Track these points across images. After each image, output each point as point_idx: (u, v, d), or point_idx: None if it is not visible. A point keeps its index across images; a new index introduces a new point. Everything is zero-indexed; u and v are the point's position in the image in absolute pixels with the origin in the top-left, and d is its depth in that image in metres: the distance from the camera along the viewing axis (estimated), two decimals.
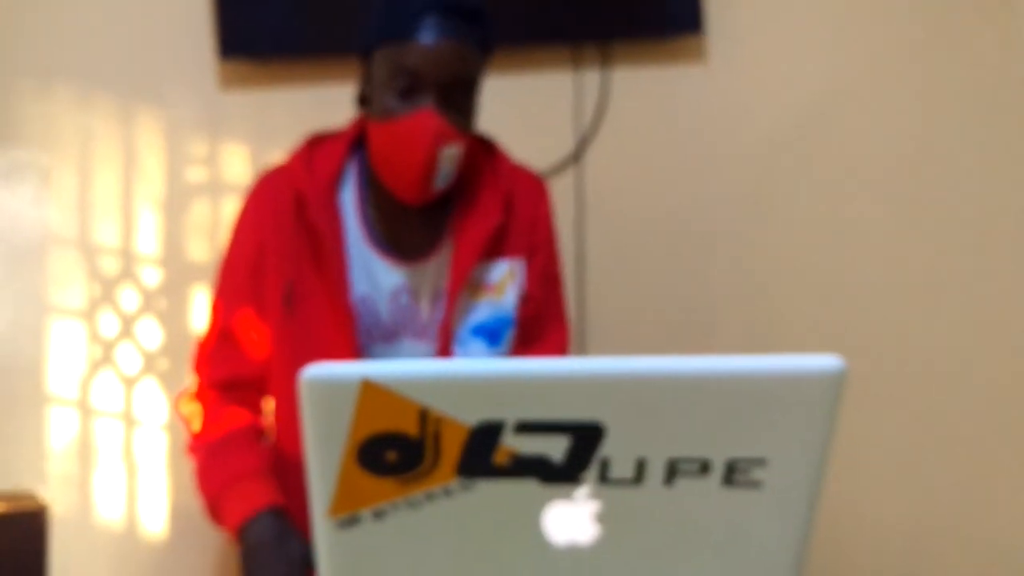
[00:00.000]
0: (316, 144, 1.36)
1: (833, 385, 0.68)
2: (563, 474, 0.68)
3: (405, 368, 0.67)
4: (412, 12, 1.21)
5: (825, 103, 1.86)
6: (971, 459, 1.82)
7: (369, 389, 0.66)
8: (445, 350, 1.31)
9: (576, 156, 1.87)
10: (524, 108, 1.84)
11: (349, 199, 1.34)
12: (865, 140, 1.85)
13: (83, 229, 1.91)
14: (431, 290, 1.34)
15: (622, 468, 0.68)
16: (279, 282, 1.31)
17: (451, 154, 1.24)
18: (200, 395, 1.34)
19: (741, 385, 0.68)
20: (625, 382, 0.67)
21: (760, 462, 0.69)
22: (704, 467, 0.68)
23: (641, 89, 1.87)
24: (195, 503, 1.79)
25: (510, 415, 0.67)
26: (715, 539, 0.71)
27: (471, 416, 0.67)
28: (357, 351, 1.29)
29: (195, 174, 1.91)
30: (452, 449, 0.67)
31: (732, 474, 0.69)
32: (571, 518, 0.69)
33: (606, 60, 1.87)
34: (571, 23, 1.83)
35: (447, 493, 0.69)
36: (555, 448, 0.68)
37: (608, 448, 0.68)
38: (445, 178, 1.26)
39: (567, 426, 0.67)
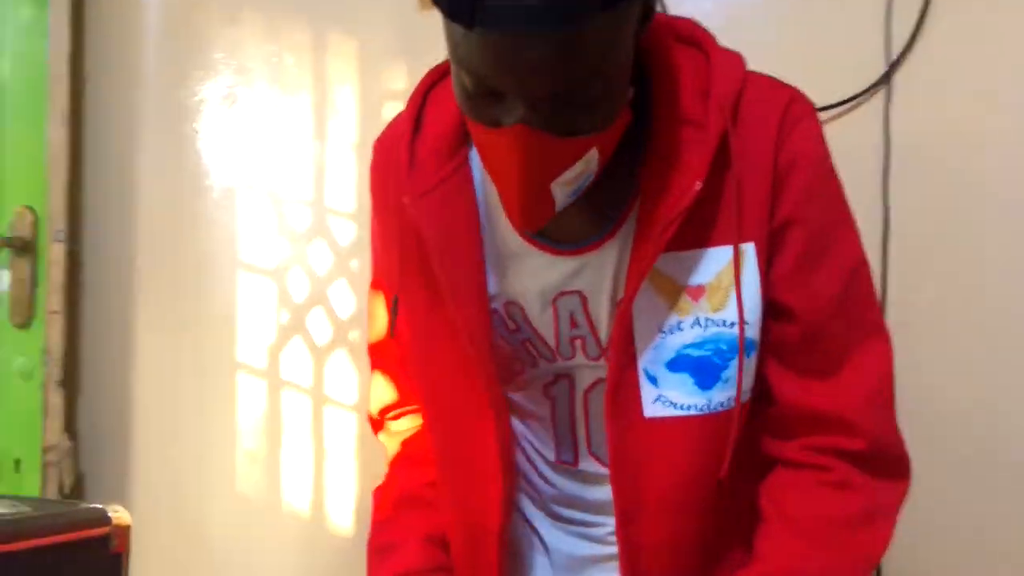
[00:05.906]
0: (435, 88, 0.98)
1: None
2: None
3: None
4: None
5: None
6: None
7: None
8: (622, 387, 0.87)
9: (887, 77, 1.35)
10: (825, 24, 1.35)
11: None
12: None
13: (270, 174, 1.69)
14: (608, 293, 0.90)
15: None
16: (389, 296, 1.01)
17: (569, 178, 0.80)
18: (375, 427, 1.15)
19: None
20: None
21: None
22: None
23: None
24: None
25: None
26: None
27: None
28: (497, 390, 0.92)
29: (391, 110, 1.61)
30: None
31: None
32: None
33: None
34: None
35: None
36: None
37: None
38: (567, 199, 0.82)
39: None
